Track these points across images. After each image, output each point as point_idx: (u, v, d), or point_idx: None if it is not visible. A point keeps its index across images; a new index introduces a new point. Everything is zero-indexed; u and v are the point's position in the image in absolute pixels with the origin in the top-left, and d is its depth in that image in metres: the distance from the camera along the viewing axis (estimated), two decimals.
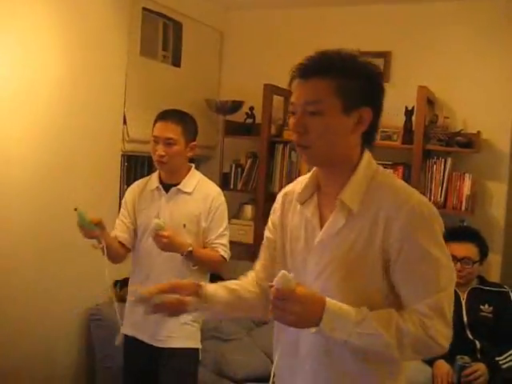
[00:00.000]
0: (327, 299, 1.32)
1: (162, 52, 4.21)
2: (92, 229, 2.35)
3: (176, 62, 4.22)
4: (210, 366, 3.24)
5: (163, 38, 4.20)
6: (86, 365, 3.49)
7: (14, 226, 2.95)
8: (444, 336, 1.35)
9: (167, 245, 2.38)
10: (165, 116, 2.55)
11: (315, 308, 1.31)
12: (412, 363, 2.97)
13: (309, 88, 1.38)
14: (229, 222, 2.70)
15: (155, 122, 2.55)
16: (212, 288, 1.61)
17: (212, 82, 4.58)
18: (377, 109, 1.43)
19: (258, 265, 1.70)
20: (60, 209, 3.18)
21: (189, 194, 2.56)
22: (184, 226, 2.51)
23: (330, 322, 1.31)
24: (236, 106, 4.23)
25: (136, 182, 2.76)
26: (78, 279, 3.32)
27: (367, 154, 1.46)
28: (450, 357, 2.88)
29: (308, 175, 1.56)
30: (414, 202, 1.37)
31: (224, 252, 2.59)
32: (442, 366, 2.90)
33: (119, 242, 2.59)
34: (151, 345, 2.55)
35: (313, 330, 1.33)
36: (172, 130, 2.49)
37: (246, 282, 1.69)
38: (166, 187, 2.58)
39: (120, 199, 3.64)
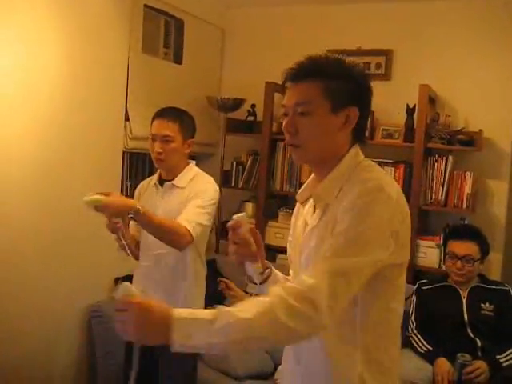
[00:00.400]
0: (176, 309, 1.25)
1: (164, 49, 4.20)
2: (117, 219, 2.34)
3: (177, 60, 4.22)
4: (212, 364, 3.24)
5: (165, 35, 4.19)
6: (86, 361, 3.49)
7: (15, 223, 2.95)
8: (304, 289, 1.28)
9: (114, 214, 2.27)
10: (162, 114, 2.57)
11: (158, 318, 1.22)
12: (412, 362, 2.99)
13: (298, 90, 1.46)
14: (210, 210, 2.60)
15: (153, 119, 2.59)
16: (274, 269, 1.63)
17: (213, 79, 4.58)
18: (364, 107, 1.49)
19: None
20: (61, 206, 3.18)
21: (182, 188, 2.57)
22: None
23: (183, 329, 1.21)
24: (237, 103, 4.23)
25: (144, 180, 2.83)
26: (79, 276, 3.33)
27: (354, 150, 1.50)
28: (450, 355, 2.89)
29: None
30: (363, 186, 1.37)
31: (189, 225, 2.38)
32: (443, 363, 2.91)
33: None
34: None
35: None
36: (169, 128, 2.52)
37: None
38: (163, 183, 2.62)
39: None
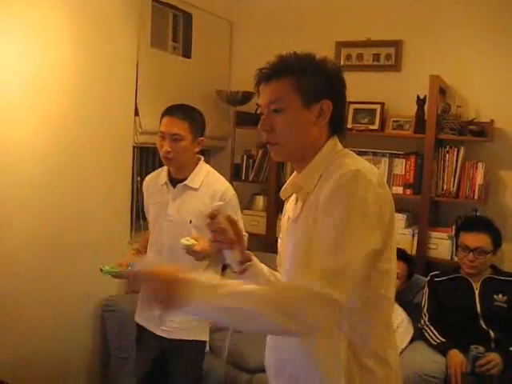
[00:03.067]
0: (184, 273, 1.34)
1: (172, 43, 4.20)
2: (126, 272, 2.44)
3: (186, 54, 4.22)
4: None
5: (173, 29, 4.19)
6: (100, 355, 3.52)
7: (27, 221, 2.97)
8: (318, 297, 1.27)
9: (203, 257, 2.38)
10: (171, 111, 2.52)
11: (176, 281, 1.31)
12: (425, 354, 2.98)
13: (270, 89, 1.50)
14: (241, 213, 2.69)
15: (162, 116, 2.54)
16: (257, 261, 1.67)
17: (222, 72, 4.58)
18: (338, 100, 1.50)
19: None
20: (73, 203, 3.20)
21: (195, 189, 2.54)
22: (190, 221, 2.51)
23: (199, 290, 1.31)
24: (247, 96, 4.22)
25: (149, 175, 2.77)
26: (91, 272, 3.33)
27: (331, 141, 1.52)
28: (463, 347, 2.88)
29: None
30: (342, 171, 1.37)
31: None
32: (456, 355, 2.89)
33: None
34: (160, 335, 2.58)
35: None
36: (178, 126, 2.47)
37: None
38: (174, 182, 2.57)
39: (132, 191, 3.66)
